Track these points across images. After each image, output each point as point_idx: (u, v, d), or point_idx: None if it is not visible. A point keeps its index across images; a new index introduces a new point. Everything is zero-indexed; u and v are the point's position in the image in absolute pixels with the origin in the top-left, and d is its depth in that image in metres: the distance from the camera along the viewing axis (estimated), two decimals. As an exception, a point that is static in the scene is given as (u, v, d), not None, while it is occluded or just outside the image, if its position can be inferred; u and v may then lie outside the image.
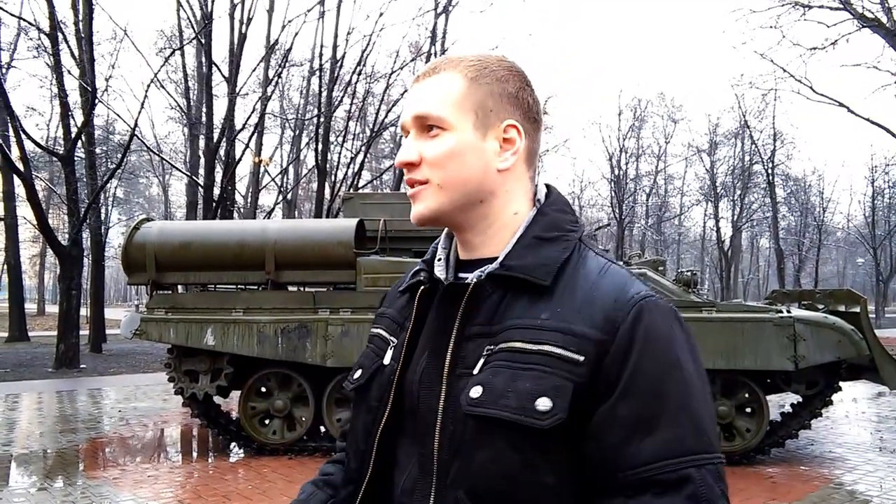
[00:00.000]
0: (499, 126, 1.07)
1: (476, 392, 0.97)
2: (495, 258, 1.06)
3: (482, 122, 1.06)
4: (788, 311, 7.22)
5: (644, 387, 0.94)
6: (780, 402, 8.96)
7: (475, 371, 0.99)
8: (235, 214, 23.11)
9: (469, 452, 0.97)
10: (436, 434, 1.01)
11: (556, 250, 1.04)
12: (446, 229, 1.18)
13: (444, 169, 1.06)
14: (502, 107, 1.08)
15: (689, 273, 8.45)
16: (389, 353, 1.14)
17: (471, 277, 1.06)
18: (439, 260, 1.15)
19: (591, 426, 0.94)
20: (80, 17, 16.75)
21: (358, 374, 1.18)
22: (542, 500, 0.95)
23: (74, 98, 17.68)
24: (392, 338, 1.16)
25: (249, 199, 27.43)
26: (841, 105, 20.78)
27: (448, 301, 1.07)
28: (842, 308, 7.76)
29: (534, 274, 1.02)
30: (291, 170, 31.77)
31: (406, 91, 1.30)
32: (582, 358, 0.95)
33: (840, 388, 7.48)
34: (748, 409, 7.37)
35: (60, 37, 16.15)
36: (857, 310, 7.43)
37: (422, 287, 1.13)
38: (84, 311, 21.22)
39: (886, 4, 18.24)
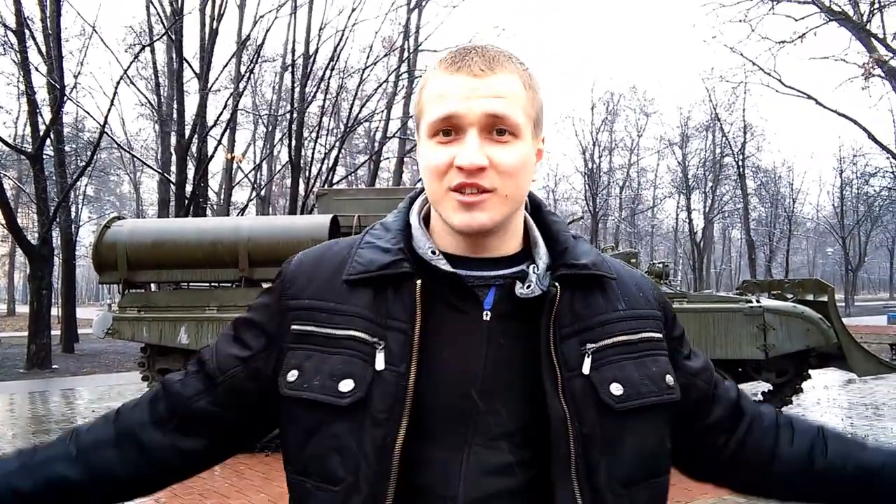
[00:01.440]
0: (539, 138, 1.07)
1: (617, 389, 1.01)
2: (508, 256, 1.07)
3: (535, 133, 1.05)
4: (758, 301, 7.34)
5: (682, 330, 1.19)
6: (753, 391, 9.09)
7: (585, 370, 1.01)
8: (209, 211, 22.96)
9: (617, 446, 1.00)
10: (569, 441, 0.97)
11: (591, 246, 1.11)
12: (409, 218, 1.12)
13: (514, 180, 1.00)
14: (543, 119, 1.08)
15: (660, 265, 8.58)
16: (381, 358, 0.99)
17: (535, 280, 1.02)
18: (434, 253, 1.04)
19: (683, 372, 1.14)
20: (48, 14, 16.50)
21: (349, 384, 0.99)
22: (666, 463, 1.09)
23: (42, 95, 17.44)
24: (376, 339, 1.00)
25: (223, 196, 27.23)
26: (809, 97, 21.08)
27: (515, 303, 1.02)
28: (810, 297, 7.90)
29: (602, 269, 1.08)
30: (265, 166, 31.58)
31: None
32: (661, 335, 1.11)
33: (809, 377, 7.62)
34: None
35: (27, 33, 15.90)
36: (825, 299, 7.56)
37: (419, 281, 1.01)
38: (55, 311, 20.98)
39: (853, -3, 18.53)
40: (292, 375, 1.03)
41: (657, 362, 1.07)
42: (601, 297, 1.07)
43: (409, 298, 1.01)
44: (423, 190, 1.14)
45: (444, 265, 1.02)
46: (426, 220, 1.12)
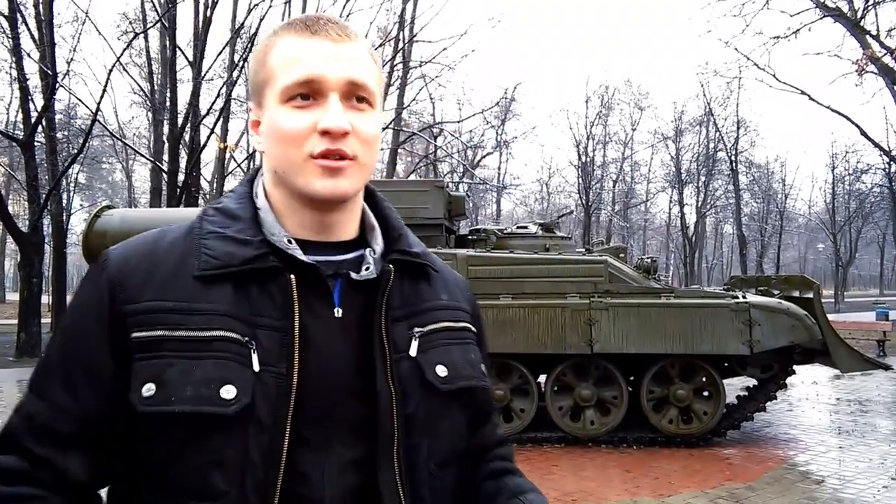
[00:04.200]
0: (381, 111, 1.06)
1: (442, 371, 1.03)
2: (352, 241, 1.06)
3: (381, 104, 1.05)
4: (744, 297, 7.39)
5: (485, 344, 1.22)
6: (742, 385, 9.17)
7: (412, 353, 1.02)
8: (201, 200, 22.89)
9: (436, 426, 1.03)
10: (393, 421, 0.97)
11: (418, 239, 1.15)
12: (252, 204, 1.05)
13: (371, 149, 1.00)
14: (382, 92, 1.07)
15: (648, 260, 8.63)
16: (255, 358, 0.92)
17: (373, 263, 1.03)
18: (290, 242, 0.99)
19: None
20: (41, 0, 16.42)
21: (231, 391, 0.90)
22: (466, 446, 1.12)
23: (34, 82, 17.34)
24: (247, 339, 0.93)
25: (215, 185, 27.16)
26: (803, 93, 21.14)
27: (354, 288, 1.01)
28: (796, 294, 7.96)
29: (429, 260, 1.12)
30: (258, 155, 31.46)
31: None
32: (474, 328, 1.16)
33: (794, 372, 7.69)
34: (705, 393, 7.54)
35: (20, 19, 15.82)
36: (811, 295, 7.62)
37: (292, 276, 0.96)
38: (45, 299, 20.92)
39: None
40: (148, 390, 0.91)
41: (474, 350, 1.13)
42: (427, 286, 1.11)
43: (280, 294, 0.95)
44: (258, 170, 1.11)
45: (302, 255, 0.99)
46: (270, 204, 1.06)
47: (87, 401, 0.94)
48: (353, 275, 1.01)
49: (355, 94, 0.98)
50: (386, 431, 0.97)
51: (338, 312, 0.99)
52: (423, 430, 1.01)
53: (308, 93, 0.96)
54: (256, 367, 0.92)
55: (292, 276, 0.95)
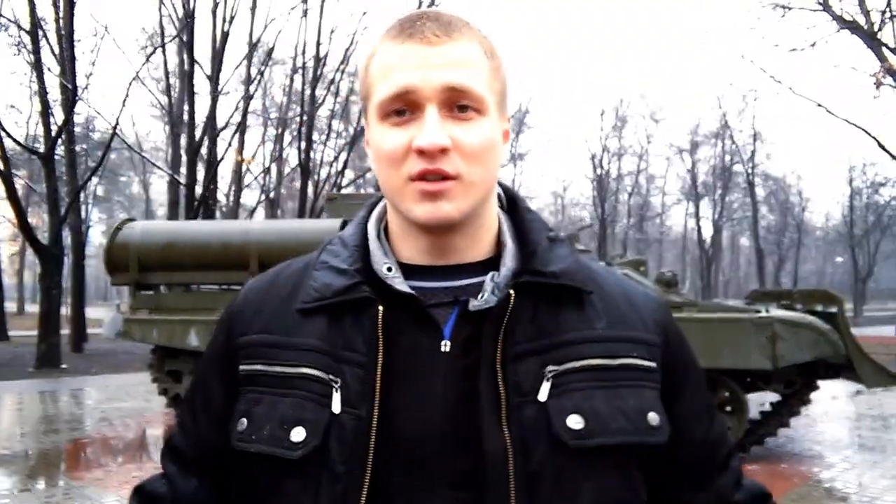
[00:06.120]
0: (505, 117, 0.94)
1: (576, 422, 0.84)
2: (480, 262, 0.92)
3: (500, 110, 0.91)
4: (767, 311, 7.32)
5: (700, 380, 1.01)
6: (760, 402, 9.08)
7: (541, 397, 0.85)
8: (217, 213, 23.02)
9: (574, 489, 0.84)
10: (509, 478, 0.81)
11: (569, 251, 0.95)
12: (364, 231, 0.97)
13: (481, 164, 0.86)
14: (507, 95, 0.94)
15: (669, 273, 8.57)
16: (337, 398, 0.85)
17: (490, 290, 0.88)
18: (389, 269, 0.90)
19: (675, 424, 0.92)
20: (61, 15, 16.61)
21: (300, 433, 0.85)
22: None
23: (55, 96, 17.54)
24: (331, 377, 0.86)
25: (232, 198, 27.31)
26: (820, 105, 21.01)
27: (470, 319, 0.87)
28: (819, 308, 7.88)
29: (575, 279, 0.91)
30: (274, 168, 31.63)
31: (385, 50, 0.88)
32: (655, 364, 0.92)
33: (818, 387, 7.60)
34: (728, 408, 7.46)
35: (41, 34, 16.02)
36: (834, 310, 7.54)
37: (380, 307, 0.87)
38: (65, 311, 21.05)
39: (865, 7, 18.49)
40: (241, 424, 0.89)
41: (639, 395, 0.89)
42: (575, 312, 0.90)
43: (370, 327, 0.86)
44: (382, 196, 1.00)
45: (400, 284, 0.88)
46: (388, 228, 0.97)
47: (204, 426, 0.98)
48: (472, 304, 0.87)
49: (457, 103, 0.85)
50: (498, 489, 0.81)
51: (445, 346, 0.86)
52: (552, 492, 0.83)
53: (404, 107, 0.85)
54: (337, 409, 0.85)
55: (380, 308, 0.86)
